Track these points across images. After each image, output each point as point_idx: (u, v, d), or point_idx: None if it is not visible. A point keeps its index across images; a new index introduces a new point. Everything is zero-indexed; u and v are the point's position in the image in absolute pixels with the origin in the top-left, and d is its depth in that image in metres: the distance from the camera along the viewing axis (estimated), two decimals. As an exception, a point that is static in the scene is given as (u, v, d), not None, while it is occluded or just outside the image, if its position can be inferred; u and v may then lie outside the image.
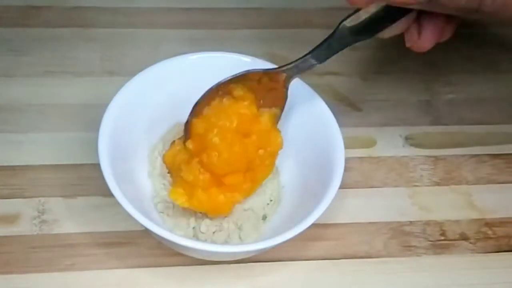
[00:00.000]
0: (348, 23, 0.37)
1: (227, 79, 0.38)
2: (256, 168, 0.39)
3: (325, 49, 0.38)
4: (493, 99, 0.51)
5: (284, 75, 0.38)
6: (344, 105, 0.49)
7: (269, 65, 0.42)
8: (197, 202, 0.37)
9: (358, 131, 0.47)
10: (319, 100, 0.41)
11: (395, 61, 0.53)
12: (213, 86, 0.38)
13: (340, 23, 0.37)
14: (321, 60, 0.38)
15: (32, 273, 0.38)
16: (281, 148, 0.40)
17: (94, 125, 0.37)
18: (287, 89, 0.39)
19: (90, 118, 0.41)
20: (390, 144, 0.47)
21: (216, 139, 0.37)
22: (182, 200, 0.38)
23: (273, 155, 0.40)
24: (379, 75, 0.52)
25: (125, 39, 0.51)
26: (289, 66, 0.38)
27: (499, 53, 0.55)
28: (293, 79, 0.39)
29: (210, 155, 0.37)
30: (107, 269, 0.38)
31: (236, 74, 0.38)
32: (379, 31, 0.37)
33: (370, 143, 0.47)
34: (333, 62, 0.52)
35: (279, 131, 0.40)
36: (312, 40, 0.53)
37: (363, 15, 0.37)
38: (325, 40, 0.38)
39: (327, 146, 0.39)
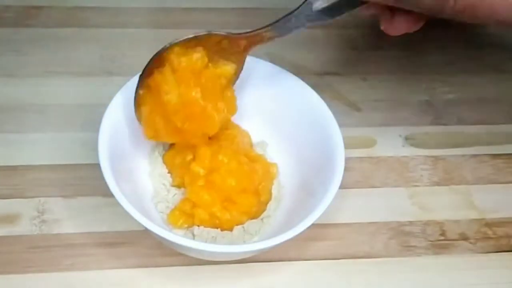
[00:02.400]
0: (315, 2, 0.37)
1: (180, 40, 0.38)
2: (261, 190, 0.39)
3: (286, 23, 0.38)
4: (493, 99, 0.51)
5: (245, 41, 0.38)
6: (344, 105, 0.49)
7: (269, 65, 0.42)
8: (199, 221, 0.38)
9: (358, 131, 0.47)
10: (319, 100, 0.41)
11: (395, 61, 0.53)
12: (161, 49, 0.38)
13: (305, 1, 0.37)
14: (282, 33, 0.38)
15: (32, 273, 0.37)
16: (275, 177, 0.41)
17: (94, 125, 0.37)
18: (245, 55, 0.39)
19: (90, 118, 0.41)
20: (390, 144, 0.47)
21: (225, 159, 0.38)
22: (180, 222, 0.38)
23: (272, 181, 0.41)
24: (379, 75, 0.52)
25: (125, 39, 0.51)
26: (251, 34, 0.38)
27: (499, 53, 0.55)
28: (253, 47, 0.38)
29: (223, 175, 0.37)
30: (107, 269, 0.38)
31: (195, 35, 0.37)
32: (341, 14, 0.37)
33: (370, 143, 0.47)
34: (333, 62, 0.53)
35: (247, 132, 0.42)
36: (312, 40, 0.53)
37: None
38: (288, 14, 0.37)
39: (327, 146, 0.39)
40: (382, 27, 0.38)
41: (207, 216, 0.38)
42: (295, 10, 0.37)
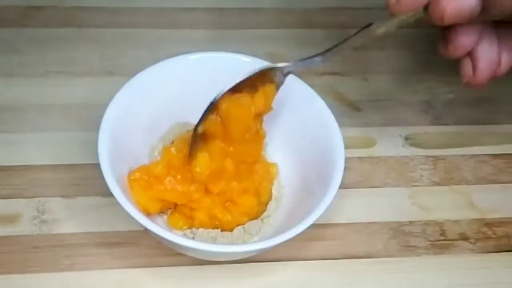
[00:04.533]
0: (378, 28, 0.35)
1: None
2: (262, 190, 0.39)
3: (340, 51, 0.37)
4: (493, 99, 0.51)
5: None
6: (344, 105, 0.49)
7: (269, 65, 0.42)
8: (199, 223, 0.38)
9: (358, 131, 0.47)
10: (319, 100, 0.41)
11: (395, 61, 0.53)
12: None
13: (366, 26, 0.36)
14: (325, 60, 0.37)
15: (32, 273, 0.37)
16: (275, 177, 0.41)
17: (94, 125, 0.37)
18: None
19: (90, 118, 0.41)
20: (390, 144, 0.47)
21: (227, 165, 0.37)
22: (180, 224, 0.39)
23: (272, 181, 0.41)
24: (379, 75, 0.52)
25: (125, 39, 0.51)
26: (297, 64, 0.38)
27: (499, 53, 0.55)
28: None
29: (226, 181, 0.37)
30: (107, 269, 0.38)
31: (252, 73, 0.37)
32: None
33: (370, 143, 0.47)
34: (333, 62, 0.52)
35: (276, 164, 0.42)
36: (312, 40, 0.53)
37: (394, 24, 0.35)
38: (342, 41, 0.37)
39: (327, 146, 0.39)
40: (464, 80, 0.36)
41: (207, 218, 0.38)
42: (353, 35, 0.36)
